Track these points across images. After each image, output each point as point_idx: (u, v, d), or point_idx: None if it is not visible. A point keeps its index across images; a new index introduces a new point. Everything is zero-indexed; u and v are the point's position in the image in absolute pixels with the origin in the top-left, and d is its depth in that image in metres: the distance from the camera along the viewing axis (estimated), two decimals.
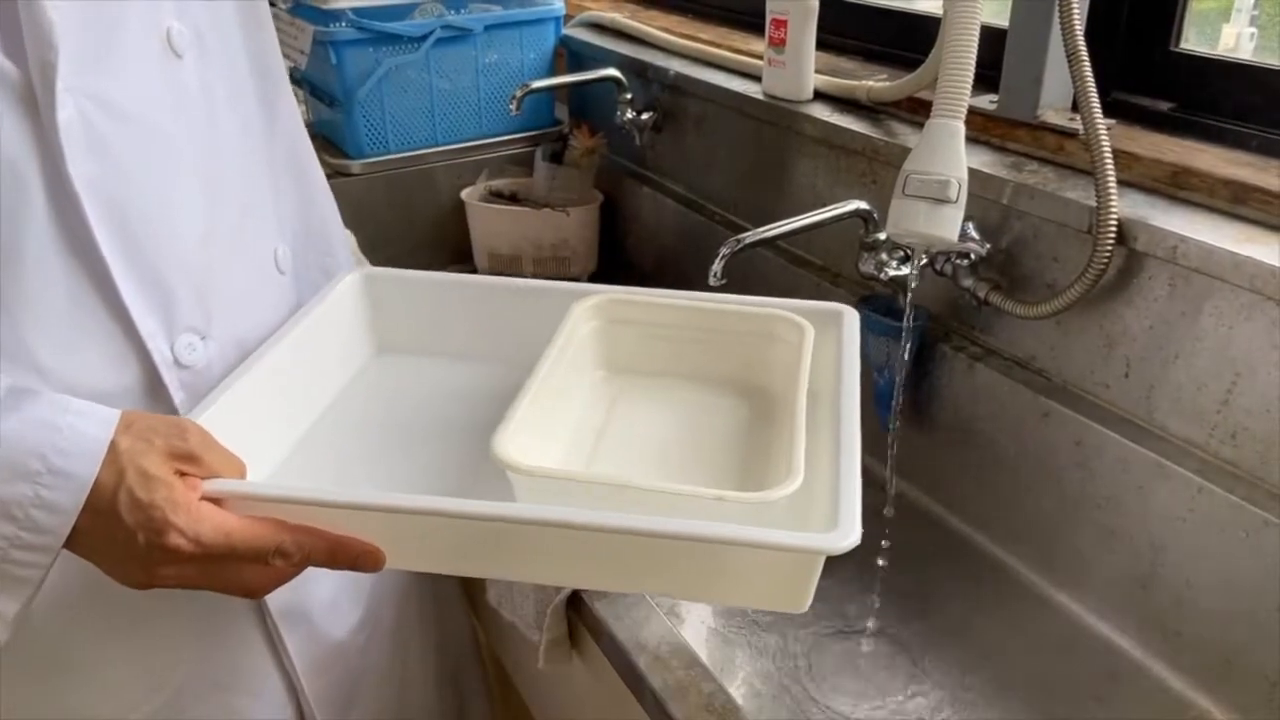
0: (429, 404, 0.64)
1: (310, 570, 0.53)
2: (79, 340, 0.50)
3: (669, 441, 0.60)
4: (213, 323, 0.57)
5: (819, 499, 0.48)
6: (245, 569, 0.47)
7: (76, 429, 0.44)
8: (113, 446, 0.45)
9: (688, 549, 0.46)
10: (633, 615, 0.63)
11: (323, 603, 0.67)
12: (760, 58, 1.10)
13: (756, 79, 1.12)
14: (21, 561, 0.44)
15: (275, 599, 0.61)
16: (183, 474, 0.46)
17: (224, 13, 0.58)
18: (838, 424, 0.52)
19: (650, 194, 1.33)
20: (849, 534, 0.45)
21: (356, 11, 1.28)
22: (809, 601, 0.48)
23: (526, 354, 0.60)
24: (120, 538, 0.44)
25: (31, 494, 0.43)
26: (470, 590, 0.90)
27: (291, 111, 0.67)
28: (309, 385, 0.62)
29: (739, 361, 0.64)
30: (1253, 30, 0.86)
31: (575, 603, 0.65)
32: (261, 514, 0.46)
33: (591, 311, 0.62)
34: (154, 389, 0.55)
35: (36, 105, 0.45)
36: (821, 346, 0.61)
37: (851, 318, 0.64)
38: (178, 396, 0.56)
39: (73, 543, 0.46)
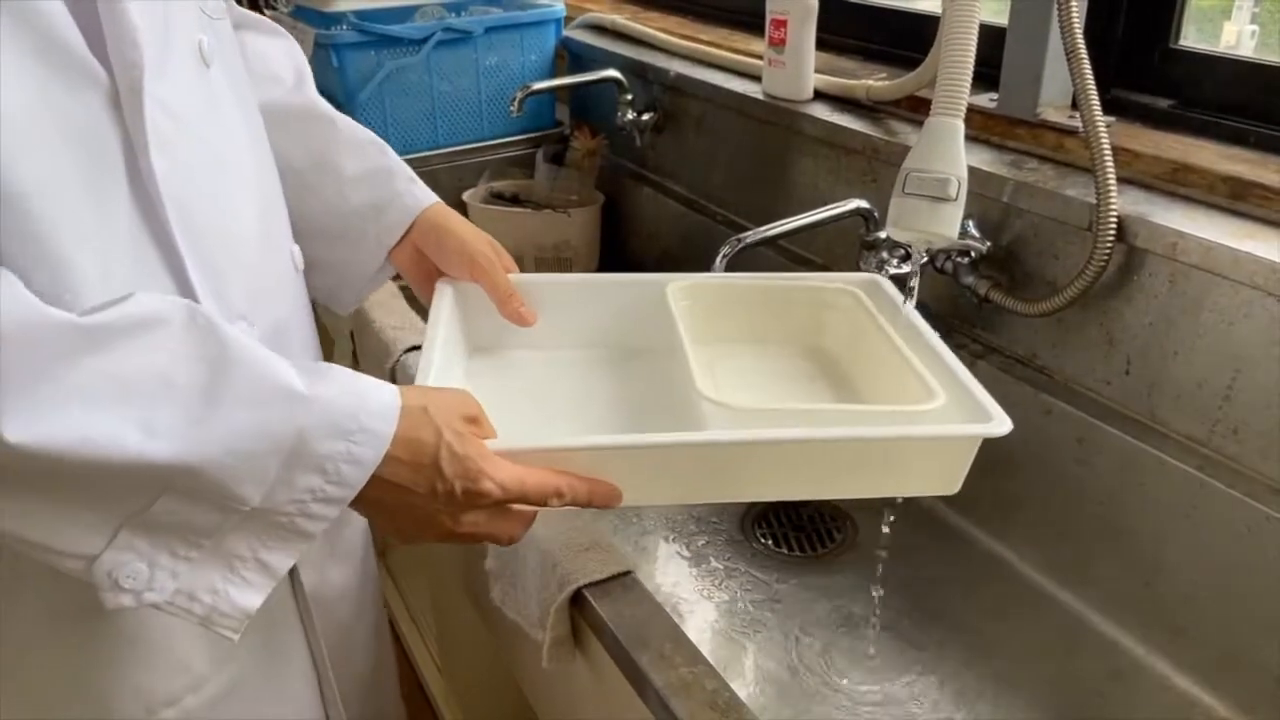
0: (561, 384, 0.72)
1: (332, 554, 0.66)
2: None
3: (776, 390, 0.71)
4: (257, 313, 0.59)
5: (948, 408, 0.59)
6: (512, 516, 0.55)
7: (377, 393, 0.50)
8: (424, 410, 0.51)
9: (880, 449, 0.57)
10: (635, 613, 0.63)
11: (336, 588, 0.70)
12: (760, 58, 1.10)
13: (757, 79, 1.12)
14: (316, 514, 0.48)
15: (309, 578, 0.65)
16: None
17: (225, 27, 0.62)
18: (930, 355, 0.64)
19: (651, 194, 1.33)
20: (1004, 421, 0.57)
21: (358, 14, 1.29)
22: (961, 483, 0.60)
23: (602, 339, 0.73)
24: (440, 489, 0.50)
25: (344, 449, 0.48)
26: (473, 589, 0.90)
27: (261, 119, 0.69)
28: (457, 382, 0.68)
29: (803, 325, 0.75)
30: (1254, 28, 0.86)
31: (578, 601, 0.65)
32: (528, 464, 0.54)
33: (681, 293, 0.72)
34: None
35: (119, 104, 0.48)
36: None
37: (887, 284, 0.75)
38: None
39: (388, 499, 0.51)
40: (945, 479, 0.59)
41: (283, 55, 0.75)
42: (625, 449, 0.56)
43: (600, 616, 0.63)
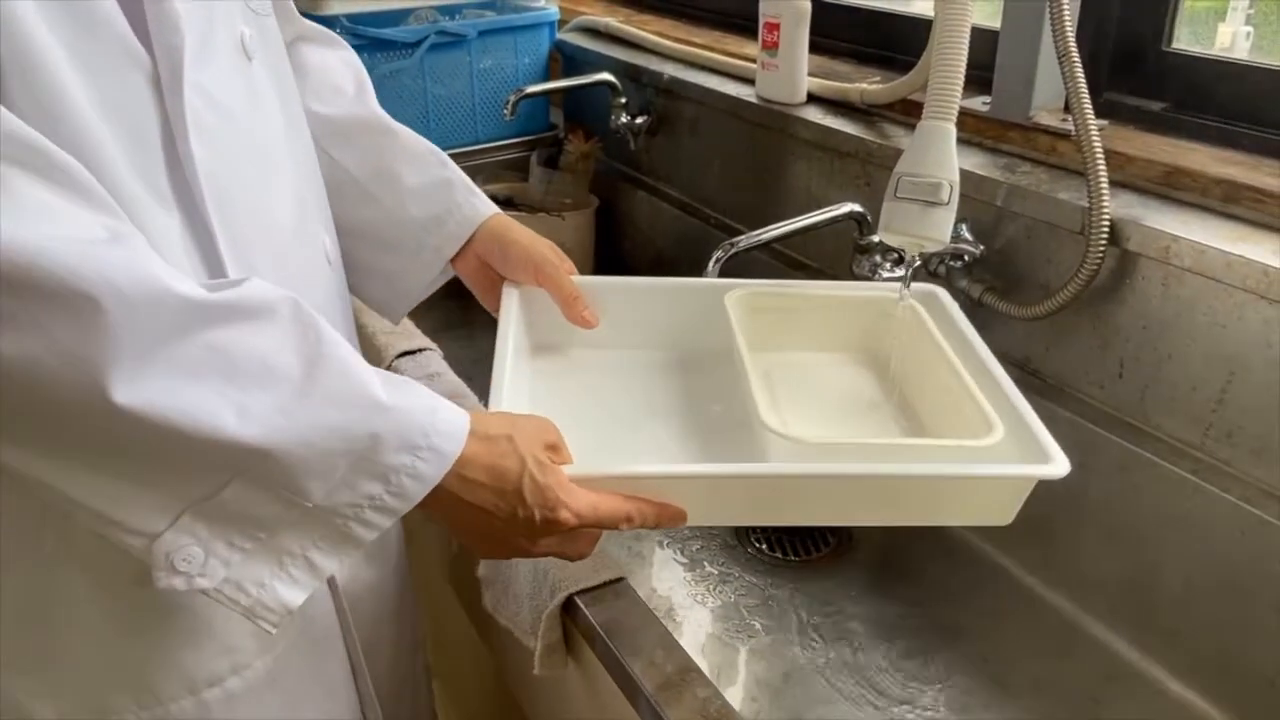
0: (622, 385, 0.73)
1: (368, 555, 0.68)
2: None
3: (832, 405, 0.72)
4: None
5: (1006, 442, 0.60)
6: (583, 538, 0.57)
7: (448, 414, 0.51)
8: (509, 439, 0.53)
9: (936, 483, 0.58)
10: (628, 620, 0.63)
11: (369, 587, 0.70)
12: (754, 61, 1.10)
13: (750, 82, 1.12)
14: (369, 522, 0.49)
15: (344, 576, 0.66)
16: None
17: (270, 23, 0.63)
18: (991, 381, 0.65)
19: (645, 198, 1.33)
20: (1063, 462, 0.57)
21: (350, 18, 1.28)
22: (1014, 516, 0.60)
23: (660, 340, 0.75)
24: (521, 515, 0.52)
25: (410, 463, 0.49)
26: (466, 596, 0.90)
27: (304, 118, 0.70)
28: (527, 388, 0.70)
29: (859, 334, 0.76)
30: (1248, 29, 0.86)
31: (570, 608, 0.64)
32: (602, 489, 0.55)
33: (739, 302, 0.73)
34: None
35: (160, 89, 0.50)
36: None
37: (945, 295, 0.74)
38: None
39: (470, 519, 0.53)
40: (1000, 512, 0.60)
41: (343, 66, 0.77)
42: (693, 478, 0.59)
43: (592, 623, 0.62)
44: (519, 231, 0.74)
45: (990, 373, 0.66)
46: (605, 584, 0.64)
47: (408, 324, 0.97)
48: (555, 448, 0.56)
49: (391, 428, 0.48)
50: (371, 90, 0.77)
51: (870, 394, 0.73)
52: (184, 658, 0.58)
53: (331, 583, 0.65)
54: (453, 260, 0.74)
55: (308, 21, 0.76)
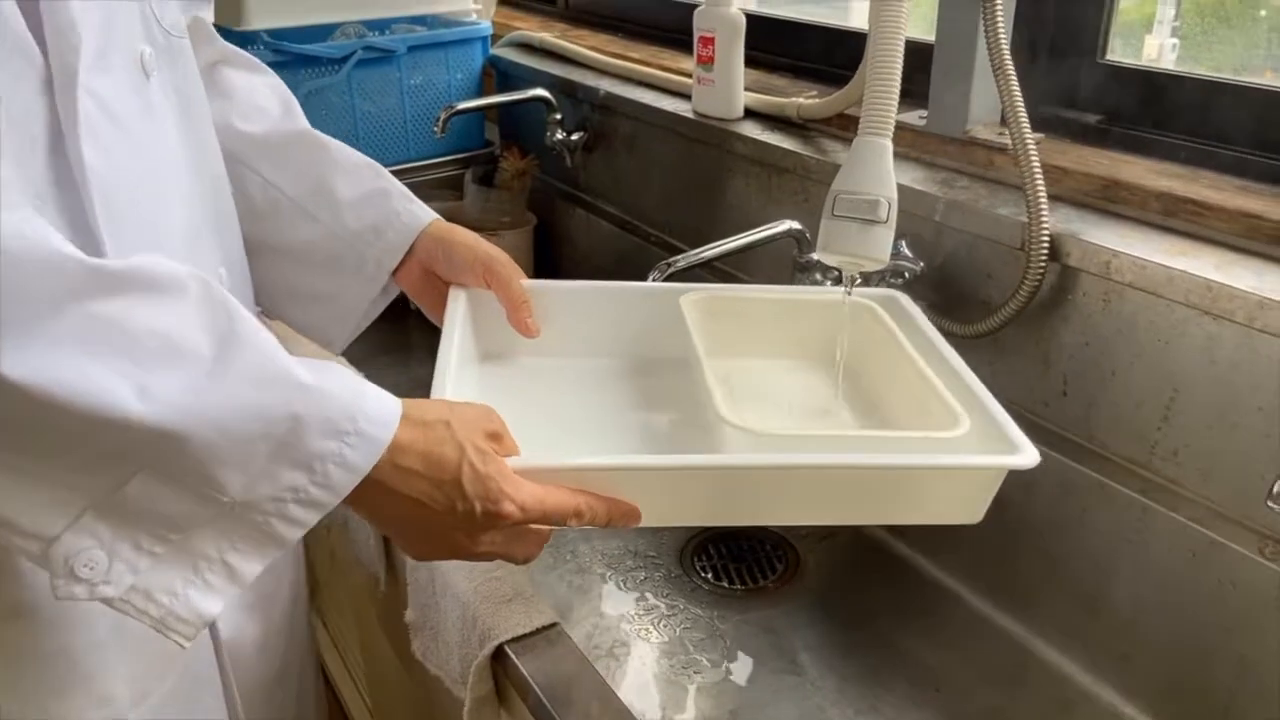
0: (575, 393, 0.70)
1: (251, 606, 0.63)
2: None
3: (795, 408, 0.70)
4: None
5: (973, 435, 0.58)
6: (529, 536, 0.53)
7: (378, 397, 0.47)
8: (447, 425, 0.49)
9: (904, 478, 0.56)
10: (562, 670, 0.59)
11: (255, 641, 0.66)
12: (690, 76, 1.07)
13: (687, 97, 1.10)
14: (293, 518, 0.46)
15: (227, 628, 0.63)
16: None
17: (182, 45, 0.60)
18: (956, 378, 0.63)
19: (584, 215, 1.30)
20: (1031, 452, 0.56)
21: (272, 33, 1.23)
22: (983, 514, 0.59)
23: (615, 348, 0.72)
24: (460, 509, 0.49)
25: (336, 449, 0.45)
26: (396, 640, 0.85)
27: (215, 145, 0.66)
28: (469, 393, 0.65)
29: (819, 338, 0.73)
30: (1174, 41, 0.86)
31: (500, 658, 0.61)
32: (548, 483, 0.52)
33: (695, 305, 0.70)
34: None
35: (52, 89, 0.47)
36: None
37: (906, 299, 0.74)
38: None
39: (403, 513, 0.49)
40: (968, 509, 0.58)
41: (267, 89, 0.74)
42: (646, 470, 0.55)
43: (524, 675, 0.59)
44: (463, 233, 0.71)
45: (956, 371, 0.64)
46: (538, 630, 0.61)
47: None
48: (497, 437, 0.52)
49: (314, 409, 0.44)
50: (299, 109, 0.74)
51: (832, 397, 0.71)
52: (49, 707, 0.53)
53: (213, 630, 0.61)
54: (395, 274, 0.71)
55: (230, 46, 0.73)
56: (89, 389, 0.40)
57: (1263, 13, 0.84)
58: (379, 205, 0.70)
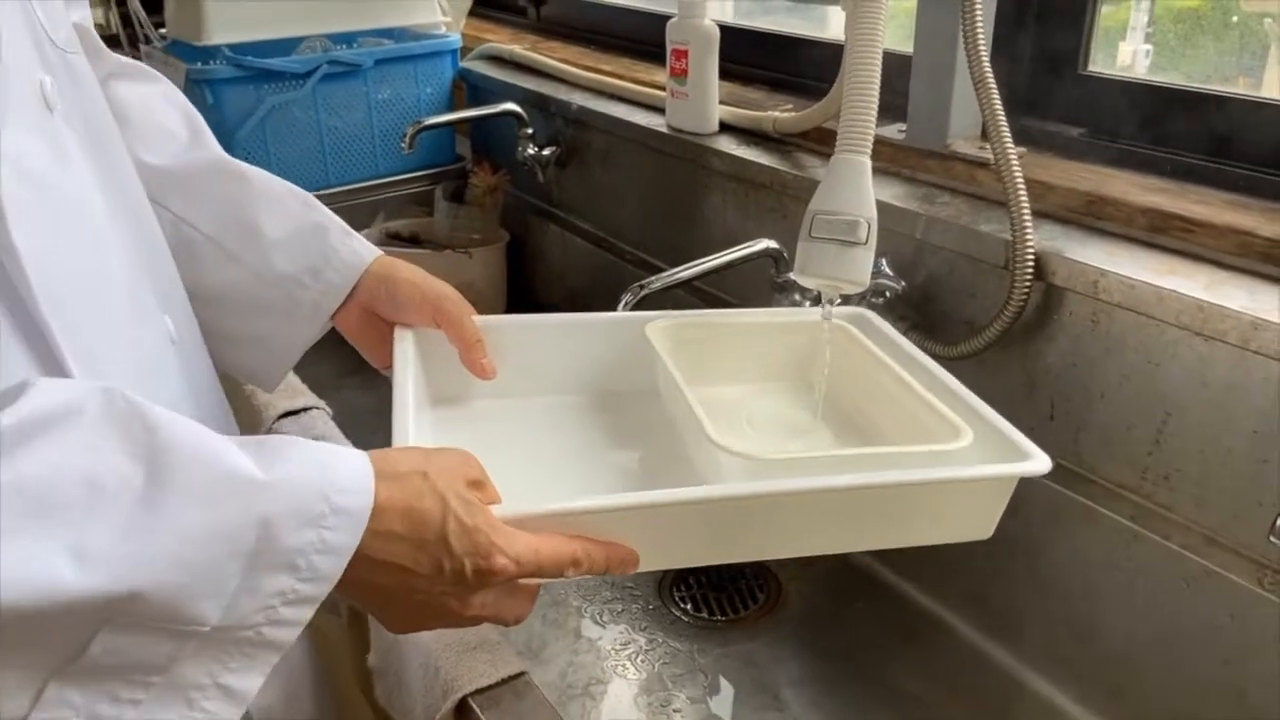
0: (540, 435, 0.66)
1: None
2: None
3: (781, 434, 0.67)
4: (138, 390, 0.50)
5: (977, 445, 0.56)
6: (521, 593, 0.49)
7: (346, 463, 0.42)
8: (424, 476, 0.44)
9: (916, 494, 0.53)
10: None
11: (261, 708, 0.61)
12: (664, 89, 1.05)
13: (661, 111, 1.07)
14: (286, 620, 0.41)
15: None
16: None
17: (79, 62, 0.53)
18: (945, 390, 0.61)
19: (557, 232, 1.27)
20: (1043, 458, 0.53)
21: (234, 48, 1.20)
22: (994, 527, 0.56)
23: (578, 384, 0.69)
24: (448, 568, 0.44)
25: (315, 538, 0.40)
26: (364, 682, 0.82)
27: (131, 171, 0.60)
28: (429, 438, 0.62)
29: (794, 361, 0.71)
30: (1148, 47, 0.84)
31: (465, 710, 0.57)
32: (539, 529, 0.48)
33: (663, 333, 0.67)
34: None
35: None
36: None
37: (876, 317, 0.72)
38: None
39: (384, 584, 0.44)
40: (980, 523, 0.56)
41: (166, 104, 0.67)
42: (646, 507, 0.51)
43: None
44: (407, 270, 0.66)
45: (943, 382, 0.62)
46: (503, 681, 0.57)
47: (292, 378, 0.89)
48: (479, 484, 0.48)
49: (281, 505, 0.39)
50: (207, 129, 0.68)
51: (815, 420, 0.68)
52: None
53: None
54: (333, 314, 0.65)
55: (117, 56, 0.66)
56: (18, 573, 0.34)
57: (1234, 19, 0.82)
58: (314, 244, 0.64)
